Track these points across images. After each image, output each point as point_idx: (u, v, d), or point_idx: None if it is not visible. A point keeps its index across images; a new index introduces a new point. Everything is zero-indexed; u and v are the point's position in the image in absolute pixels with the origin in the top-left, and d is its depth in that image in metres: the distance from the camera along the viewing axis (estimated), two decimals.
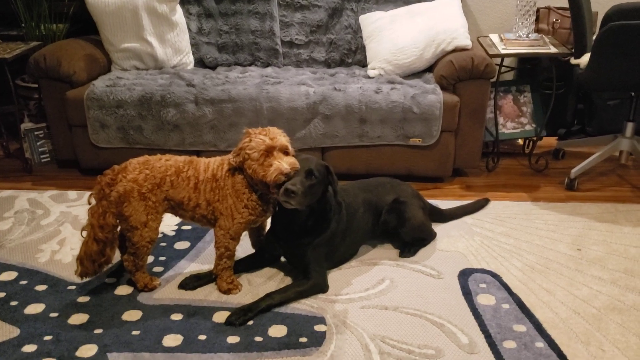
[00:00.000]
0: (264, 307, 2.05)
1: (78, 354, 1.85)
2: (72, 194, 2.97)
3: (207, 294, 2.14)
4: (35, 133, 3.31)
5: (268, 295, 2.08)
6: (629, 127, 2.97)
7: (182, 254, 2.42)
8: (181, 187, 2.07)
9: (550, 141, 3.53)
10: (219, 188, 2.09)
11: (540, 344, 1.88)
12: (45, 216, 2.73)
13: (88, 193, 2.94)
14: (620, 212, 2.73)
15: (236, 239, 2.13)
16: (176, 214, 2.18)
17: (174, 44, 3.31)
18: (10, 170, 3.29)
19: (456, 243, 2.47)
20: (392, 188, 2.47)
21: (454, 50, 3.02)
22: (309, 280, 2.14)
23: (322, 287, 2.17)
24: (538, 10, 3.34)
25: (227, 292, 2.15)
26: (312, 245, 2.17)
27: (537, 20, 3.35)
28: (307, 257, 2.17)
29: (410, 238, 2.42)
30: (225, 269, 2.15)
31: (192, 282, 2.21)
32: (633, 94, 2.93)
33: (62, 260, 2.37)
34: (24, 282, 2.22)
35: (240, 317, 2.00)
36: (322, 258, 2.20)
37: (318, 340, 1.91)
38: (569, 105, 3.57)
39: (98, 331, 1.95)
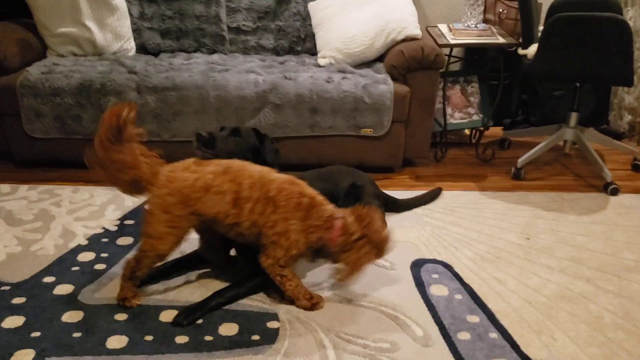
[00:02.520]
0: (214, 305, 1.97)
1: None
2: (4, 187, 2.78)
3: (153, 292, 2.04)
4: None
5: (217, 293, 2.00)
6: (573, 117, 3.04)
7: (126, 250, 2.30)
8: (212, 201, 1.87)
9: (495, 131, 3.59)
10: (276, 213, 1.88)
11: (494, 334, 1.89)
12: None
13: (23, 186, 2.82)
14: (565, 200, 2.79)
15: (288, 266, 1.95)
16: (214, 227, 1.97)
17: (114, 29, 3.14)
18: None
19: (408, 233, 2.46)
20: (348, 174, 2.42)
21: (404, 40, 3.00)
22: (258, 274, 2.07)
23: (271, 283, 2.10)
24: (485, 0, 3.37)
25: (312, 307, 1.98)
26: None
27: (483, 10, 3.38)
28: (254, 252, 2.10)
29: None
30: (296, 288, 1.98)
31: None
32: (578, 84, 3.00)
33: None
34: None
35: (187, 316, 1.90)
36: None
37: (271, 337, 1.85)
38: (514, 95, 3.63)
39: (35, 334, 1.83)
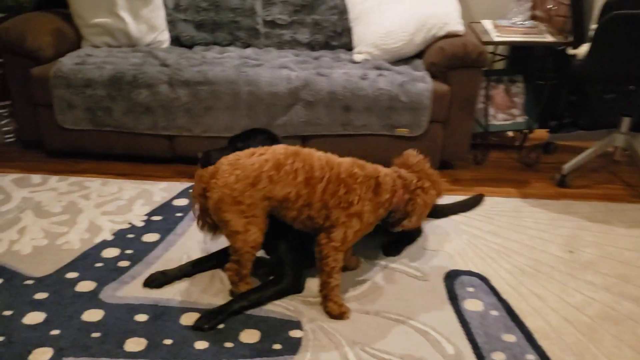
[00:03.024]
0: (237, 309, 1.90)
1: (31, 358, 1.69)
2: (36, 178, 2.78)
3: (176, 293, 1.99)
4: None
5: (241, 296, 1.93)
6: (625, 122, 2.85)
7: (151, 247, 2.25)
8: (285, 181, 1.82)
9: (540, 134, 3.41)
10: (349, 192, 1.85)
11: (531, 356, 1.76)
12: (5, 202, 2.55)
13: (54, 177, 2.81)
14: (612, 211, 2.62)
15: (344, 252, 1.93)
16: (279, 215, 1.92)
17: (149, 20, 3.10)
18: None
19: (442, 242, 2.34)
20: None
21: (446, 36, 2.85)
22: (284, 278, 2.00)
23: (298, 287, 2.03)
24: None
25: (340, 316, 1.91)
26: (287, 240, 2.02)
27: (531, 6, 3.20)
28: (281, 254, 2.03)
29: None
30: (336, 286, 1.92)
31: (159, 279, 2.05)
32: (633, 87, 2.81)
33: (21, 251, 2.20)
34: None
35: (209, 320, 1.84)
36: (296, 256, 2.05)
37: (293, 347, 1.77)
38: (561, 96, 3.44)
39: (55, 332, 1.79)
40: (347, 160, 1.93)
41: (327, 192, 1.85)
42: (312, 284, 2.05)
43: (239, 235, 1.85)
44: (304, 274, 2.07)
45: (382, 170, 1.96)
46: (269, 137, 2.17)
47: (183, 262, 2.13)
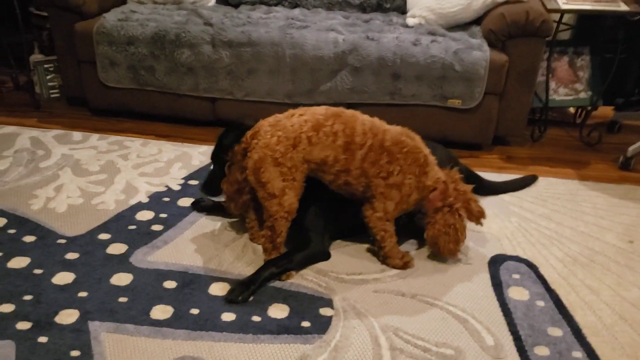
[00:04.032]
0: (267, 276, 1.83)
1: (57, 319, 1.66)
2: (77, 135, 2.77)
3: (207, 261, 1.93)
4: (45, 66, 3.10)
5: (269, 263, 1.86)
6: None
7: (186, 212, 2.20)
8: (323, 143, 1.77)
9: (605, 111, 3.16)
10: (392, 165, 1.80)
11: (578, 353, 1.62)
12: (46, 158, 2.54)
13: (94, 135, 2.79)
14: None
15: (392, 220, 1.90)
16: (316, 177, 1.88)
17: None
18: (17, 104, 3.10)
19: (489, 223, 2.19)
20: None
21: (507, 2, 2.65)
22: (310, 243, 1.92)
23: (325, 253, 1.96)
24: None
25: (404, 266, 1.93)
26: (313, 205, 1.94)
27: None
28: (307, 218, 1.95)
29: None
30: (394, 247, 1.92)
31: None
32: None
33: (57, 209, 2.18)
34: (12, 232, 2.04)
35: (242, 292, 1.77)
36: (321, 222, 1.97)
37: (322, 326, 1.68)
38: (631, 72, 3.17)
39: (82, 294, 1.77)
40: (396, 129, 1.85)
41: (367, 160, 1.78)
42: (345, 262, 1.95)
43: (275, 199, 1.78)
44: (329, 240, 2.01)
45: (435, 161, 1.91)
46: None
47: (217, 229, 2.08)
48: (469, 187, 1.94)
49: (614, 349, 1.64)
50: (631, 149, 2.62)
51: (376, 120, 1.85)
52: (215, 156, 2.04)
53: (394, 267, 1.93)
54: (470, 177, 2.25)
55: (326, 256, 1.96)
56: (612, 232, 2.17)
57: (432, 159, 1.89)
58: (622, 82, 3.18)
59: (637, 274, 1.95)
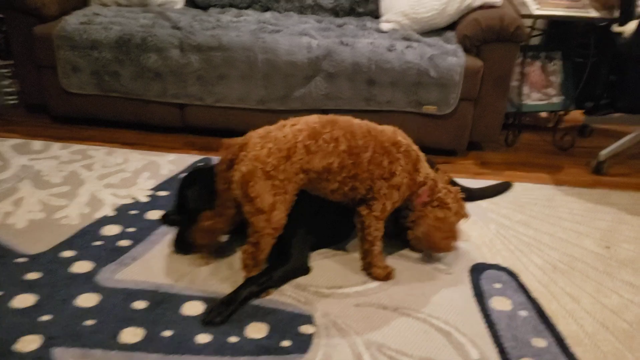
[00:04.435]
0: (247, 296, 1.74)
1: (18, 347, 1.55)
2: (37, 144, 2.63)
3: (178, 279, 1.84)
4: (1, 71, 2.95)
5: (250, 280, 1.78)
6: None
7: (155, 225, 2.10)
8: (324, 150, 1.68)
9: (575, 115, 3.18)
10: (394, 165, 1.76)
11: None
12: (3, 169, 2.40)
13: (56, 144, 2.66)
14: None
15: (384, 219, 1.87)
16: (313, 189, 1.80)
17: None
18: None
19: (469, 231, 2.16)
20: None
21: (481, 7, 2.63)
22: (290, 258, 1.85)
23: (305, 267, 1.89)
24: None
25: (386, 277, 1.88)
26: (291, 220, 1.86)
27: None
28: (285, 234, 1.85)
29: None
30: (380, 253, 1.88)
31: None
32: None
33: (16, 225, 2.06)
34: None
35: (220, 312, 1.68)
36: (302, 235, 1.90)
37: (303, 345, 1.61)
38: (600, 76, 3.19)
39: (45, 318, 1.65)
40: (389, 128, 1.82)
41: (372, 162, 1.73)
42: (324, 274, 1.89)
43: (263, 215, 1.68)
44: (309, 252, 1.95)
45: (424, 155, 1.88)
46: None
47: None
48: (457, 188, 1.92)
49: (597, 359, 1.62)
50: (603, 153, 2.63)
51: (369, 122, 1.80)
52: (180, 208, 1.99)
53: (377, 277, 1.88)
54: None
55: (306, 271, 1.89)
56: (589, 238, 2.16)
57: (422, 155, 1.86)
58: (591, 86, 3.20)
59: (616, 280, 1.94)
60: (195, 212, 1.85)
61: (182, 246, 1.93)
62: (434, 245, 1.87)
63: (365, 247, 1.88)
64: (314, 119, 1.73)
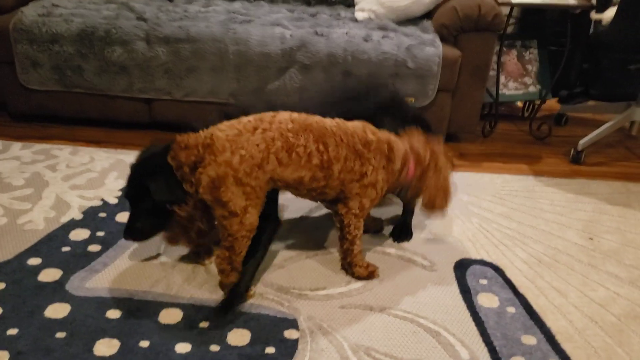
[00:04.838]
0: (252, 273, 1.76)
1: None
2: None
3: (153, 285, 1.74)
4: None
5: (247, 258, 1.72)
6: None
7: None
8: (297, 164, 1.61)
9: (550, 104, 3.17)
10: (363, 165, 1.70)
11: None
12: None
13: (17, 144, 2.52)
14: (632, 193, 2.41)
15: (364, 217, 1.80)
16: (284, 189, 1.74)
17: None
18: None
19: (450, 225, 2.12)
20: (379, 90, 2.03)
21: None
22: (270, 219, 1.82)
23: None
24: None
25: (369, 276, 1.84)
26: None
27: None
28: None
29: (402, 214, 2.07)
30: (360, 252, 1.83)
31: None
32: None
33: None
34: None
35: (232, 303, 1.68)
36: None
37: (288, 351, 1.54)
38: (574, 64, 3.20)
39: (12, 332, 1.54)
40: (357, 125, 1.73)
41: (344, 170, 1.67)
42: (307, 275, 1.82)
43: (236, 218, 1.60)
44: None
45: (394, 137, 1.78)
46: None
47: (162, 247, 1.89)
48: (436, 138, 1.84)
49: (589, 355, 1.59)
50: (582, 142, 2.62)
51: (340, 123, 1.72)
52: (130, 195, 1.75)
53: (359, 276, 1.82)
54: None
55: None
56: (571, 230, 2.15)
57: (392, 138, 1.77)
58: (565, 75, 3.20)
59: (601, 272, 1.93)
60: (162, 205, 1.71)
61: (134, 233, 1.75)
62: (435, 210, 1.82)
63: (345, 246, 1.81)
64: (286, 124, 1.62)
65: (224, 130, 1.59)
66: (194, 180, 1.60)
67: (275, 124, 1.61)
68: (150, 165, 1.71)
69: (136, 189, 1.72)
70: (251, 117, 1.64)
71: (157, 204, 1.71)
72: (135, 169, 1.73)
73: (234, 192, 1.56)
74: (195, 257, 1.87)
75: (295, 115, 1.68)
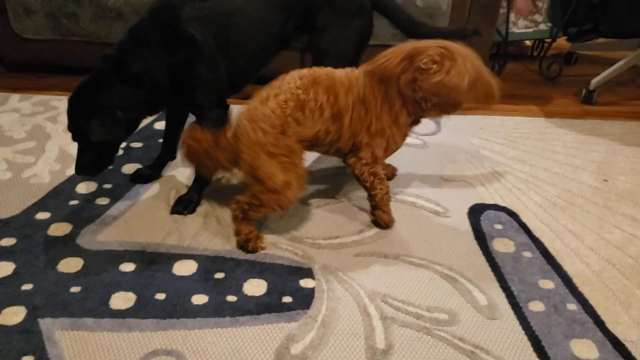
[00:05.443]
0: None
1: (1, 319, 1.43)
2: None
3: (165, 236, 1.72)
4: None
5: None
6: None
7: None
8: (311, 120, 1.58)
9: (559, 42, 3.08)
10: (367, 113, 1.63)
11: (573, 305, 1.55)
12: None
13: (15, 96, 2.45)
14: None
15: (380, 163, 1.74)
16: (311, 150, 1.72)
17: None
18: None
19: (463, 170, 2.09)
20: None
21: None
22: (212, 125, 1.72)
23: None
24: None
25: (387, 224, 1.80)
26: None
27: None
28: (196, 99, 1.74)
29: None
30: (385, 194, 1.76)
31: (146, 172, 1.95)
32: None
33: None
34: None
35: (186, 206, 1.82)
36: (213, 87, 1.75)
37: (305, 300, 1.54)
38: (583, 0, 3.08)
39: (26, 287, 1.53)
40: (360, 71, 1.66)
41: (353, 120, 1.63)
42: (319, 225, 1.80)
43: (274, 195, 1.59)
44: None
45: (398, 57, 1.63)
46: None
47: (172, 197, 1.87)
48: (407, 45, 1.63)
49: (607, 298, 1.59)
50: (594, 81, 2.55)
51: (349, 72, 1.66)
52: (72, 133, 1.68)
53: (379, 220, 1.79)
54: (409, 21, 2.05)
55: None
56: (585, 172, 2.12)
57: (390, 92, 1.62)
58: (575, 11, 3.09)
59: (617, 214, 1.91)
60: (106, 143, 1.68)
61: (85, 167, 1.72)
62: (489, 98, 1.70)
63: (367, 193, 1.78)
64: (294, 82, 1.58)
65: (243, 113, 1.58)
66: (241, 171, 1.61)
67: (284, 86, 1.58)
68: (85, 104, 1.65)
69: (76, 128, 1.67)
70: (265, 87, 1.61)
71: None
72: (72, 107, 1.66)
73: (269, 166, 1.55)
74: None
75: (304, 71, 1.63)
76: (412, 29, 2.03)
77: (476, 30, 2.12)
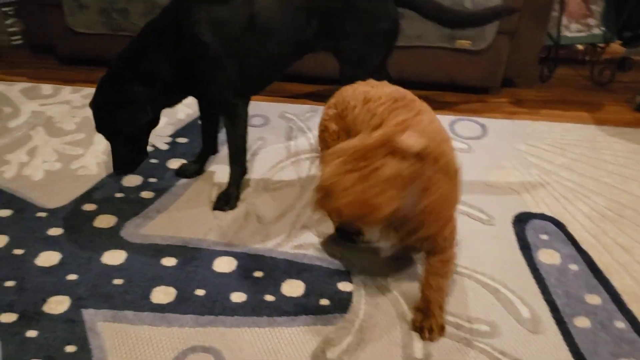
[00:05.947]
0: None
1: (46, 308, 1.47)
2: (46, 88, 2.48)
3: (207, 232, 1.74)
4: (4, 9, 2.75)
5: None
6: None
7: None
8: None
9: (612, 47, 2.98)
10: None
11: (621, 323, 1.50)
12: (14, 116, 2.27)
13: (66, 88, 2.51)
14: None
15: None
16: None
17: None
18: None
19: (508, 176, 2.04)
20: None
21: None
22: (233, 117, 1.79)
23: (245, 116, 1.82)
24: None
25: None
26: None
27: None
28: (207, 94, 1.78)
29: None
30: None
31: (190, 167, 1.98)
32: None
33: (32, 176, 1.95)
34: None
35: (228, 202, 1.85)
36: (223, 84, 1.74)
37: (343, 303, 1.53)
38: (638, 3, 2.97)
39: (71, 277, 1.57)
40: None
41: None
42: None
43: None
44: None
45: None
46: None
47: (214, 194, 1.89)
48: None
49: None
50: None
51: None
52: (102, 134, 1.73)
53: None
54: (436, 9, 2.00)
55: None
56: (636, 182, 2.04)
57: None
58: (630, 15, 2.98)
59: None
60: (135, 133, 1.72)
61: (121, 166, 1.75)
62: None
63: None
64: (386, 97, 1.40)
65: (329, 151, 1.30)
66: None
67: (417, 106, 1.39)
68: (108, 100, 1.68)
69: (104, 127, 1.70)
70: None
71: (129, 134, 1.70)
72: (96, 107, 1.70)
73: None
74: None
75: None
76: (440, 16, 2.00)
77: (511, 9, 2.07)
